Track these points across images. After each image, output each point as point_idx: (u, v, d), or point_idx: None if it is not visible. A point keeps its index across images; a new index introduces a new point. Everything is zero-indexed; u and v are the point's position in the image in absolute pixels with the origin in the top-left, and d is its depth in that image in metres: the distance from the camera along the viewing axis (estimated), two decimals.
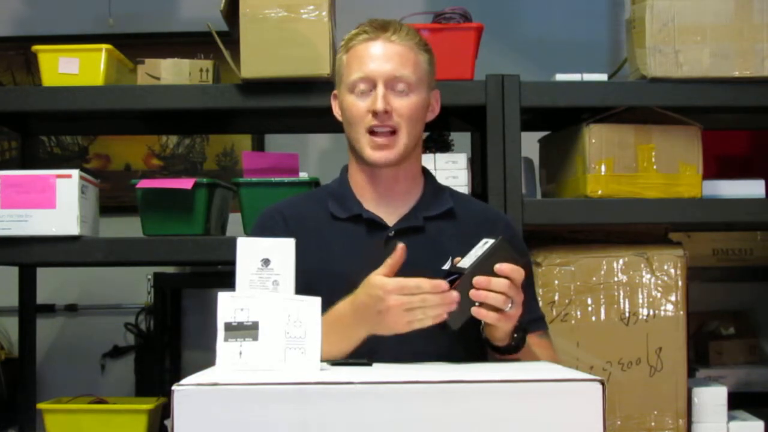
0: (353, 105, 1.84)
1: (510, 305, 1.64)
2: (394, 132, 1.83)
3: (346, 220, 1.88)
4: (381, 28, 1.85)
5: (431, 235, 1.88)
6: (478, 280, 1.63)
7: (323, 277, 1.79)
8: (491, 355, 1.79)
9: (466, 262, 1.66)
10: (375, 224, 1.87)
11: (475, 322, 1.70)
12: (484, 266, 1.64)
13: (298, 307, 1.50)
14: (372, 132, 1.83)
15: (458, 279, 1.64)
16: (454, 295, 1.62)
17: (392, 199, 1.90)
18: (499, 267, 1.63)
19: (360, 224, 1.87)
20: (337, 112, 1.93)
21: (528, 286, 1.78)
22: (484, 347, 1.81)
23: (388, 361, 1.65)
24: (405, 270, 1.67)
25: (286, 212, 1.93)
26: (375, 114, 1.81)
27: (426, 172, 1.98)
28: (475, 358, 1.81)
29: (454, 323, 1.65)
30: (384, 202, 1.90)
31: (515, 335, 1.73)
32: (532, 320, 1.85)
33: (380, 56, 1.83)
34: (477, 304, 1.64)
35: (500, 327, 1.68)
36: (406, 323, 1.63)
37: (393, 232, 1.86)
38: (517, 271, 1.64)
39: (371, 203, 1.90)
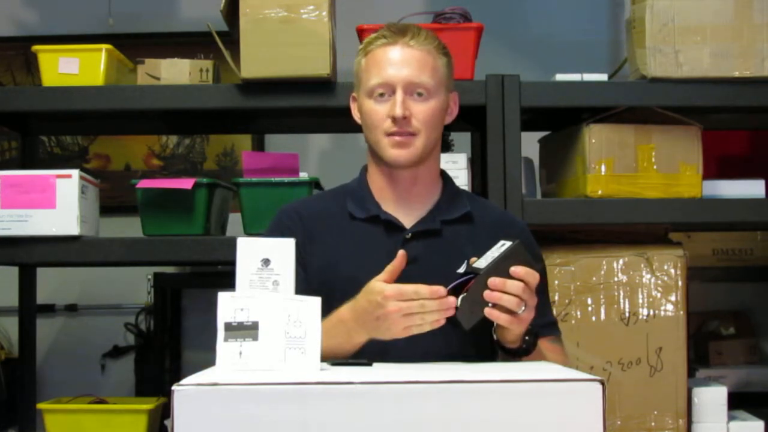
0: (372, 110, 1.84)
1: (523, 308, 1.64)
2: (413, 135, 1.83)
3: (364, 220, 1.88)
4: (399, 32, 1.85)
5: (448, 238, 1.88)
6: (492, 281, 1.63)
7: (338, 276, 1.81)
8: (502, 357, 1.80)
9: (481, 262, 1.67)
10: (392, 226, 1.87)
11: (488, 323, 1.70)
12: (500, 268, 1.64)
13: (298, 307, 1.50)
14: (391, 135, 1.84)
15: (473, 279, 1.64)
16: (452, 300, 1.62)
17: (410, 200, 1.90)
18: (514, 269, 1.64)
19: (378, 225, 1.87)
20: (356, 114, 1.94)
21: (542, 291, 1.78)
22: (495, 348, 1.81)
23: (399, 362, 1.65)
24: (420, 273, 1.67)
25: (303, 211, 1.93)
26: (394, 120, 1.81)
27: (445, 176, 1.98)
28: (486, 358, 1.81)
29: (466, 323, 1.65)
30: (402, 204, 1.90)
31: (526, 338, 1.73)
32: (544, 324, 1.85)
33: (399, 61, 1.83)
34: (491, 304, 1.64)
35: (512, 329, 1.68)
36: (403, 329, 1.63)
37: (410, 234, 1.86)
38: (531, 275, 1.65)
39: (390, 205, 1.90)
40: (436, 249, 1.85)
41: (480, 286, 1.63)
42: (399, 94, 1.81)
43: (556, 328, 1.95)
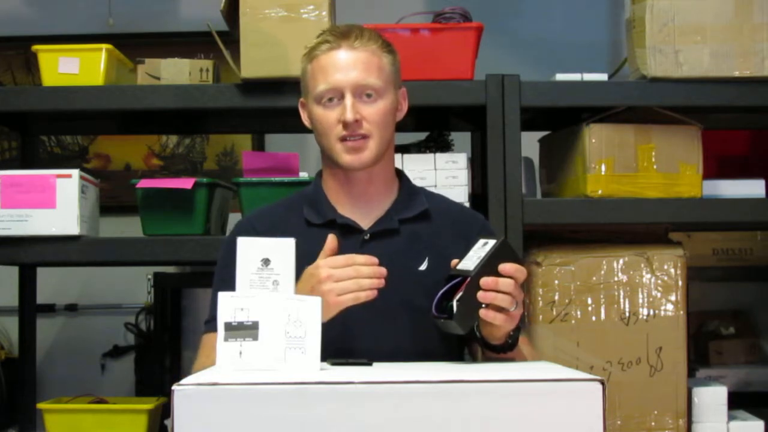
0: (323, 116, 1.84)
1: (515, 305, 1.64)
2: (365, 137, 1.83)
3: (320, 225, 1.87)
4: (342, 35, 1.84)
5: (407, 237, 1.88)
6: (485, 281, 1.62)
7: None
8: (485, 354, 1.79)
9: (467, 264, 1.65)
10: (350, 228, 1.87)
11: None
12: (489, 267, 1.63)
13: (298, 307, 1.50)
14: (344, 139, 1.83)
15: (464, 282, 1.63)
16: (384, 270, 1.63)
17: (366, 202, 1.90)
18: (503, 267, 1.63)
19: (335, 229, 1.85)
20: (305, 119, 1.92)
21: None
22: (463, 345, 1.80)
23: None
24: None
25: (258, 224, 1.92)
26: (345, 124, 1.81)
27: (401, 174, 1.98)
28: (456, 357, 1.81)
29: (463, 326, 1.64)
30: (359, 206, 1.90)
31: (511, 333, 1.73)
32: None
33: (345, 65, 1.82)
34: (484, 305, 1.63)
35: (504, 327, 1.68)
36: (336, 298, 1.62)
37: (368, 236, 1.86)
38: (520, 271, 1.65)
39: (346, 207, 1.89)
40: (396, 248, 1.85)
41: (473, 287, 1.62)
42: (348, 99, 1.80)
43: (523, 320, 1.96)
